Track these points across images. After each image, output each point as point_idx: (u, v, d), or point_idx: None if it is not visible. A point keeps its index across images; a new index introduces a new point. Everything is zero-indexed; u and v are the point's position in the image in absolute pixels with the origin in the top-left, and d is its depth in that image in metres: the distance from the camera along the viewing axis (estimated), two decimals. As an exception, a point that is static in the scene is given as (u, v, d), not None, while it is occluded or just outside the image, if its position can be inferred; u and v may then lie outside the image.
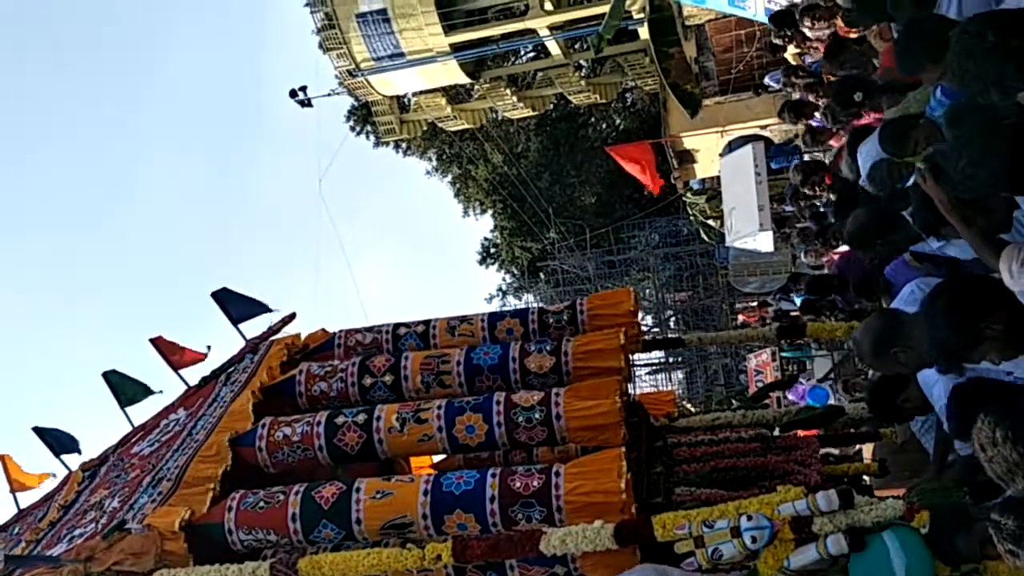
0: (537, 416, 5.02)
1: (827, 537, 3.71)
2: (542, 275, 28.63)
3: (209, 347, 6.81)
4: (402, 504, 4.68)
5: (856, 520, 3.73)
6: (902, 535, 3.72)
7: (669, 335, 27.11)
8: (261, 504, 4.83)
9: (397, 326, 6.44)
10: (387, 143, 27.83)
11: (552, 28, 20.59)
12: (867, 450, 6.67)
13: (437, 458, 6.70)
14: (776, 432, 6.05)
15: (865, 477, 6.21)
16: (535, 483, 4.55)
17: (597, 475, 4.50)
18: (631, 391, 5.77)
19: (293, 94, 23.80)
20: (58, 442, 6.49)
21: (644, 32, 19.33)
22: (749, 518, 3.72)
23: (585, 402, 5.01)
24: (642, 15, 18.66)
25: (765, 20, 13.62)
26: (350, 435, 5.26)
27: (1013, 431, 2.45)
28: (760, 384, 17.26)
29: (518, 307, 27.67)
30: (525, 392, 5.28)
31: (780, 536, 3.72)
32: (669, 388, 22.41)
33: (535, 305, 27.67)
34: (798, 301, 13.06)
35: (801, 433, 6.32)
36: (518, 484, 4.58)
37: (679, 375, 25.51)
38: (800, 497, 3.80)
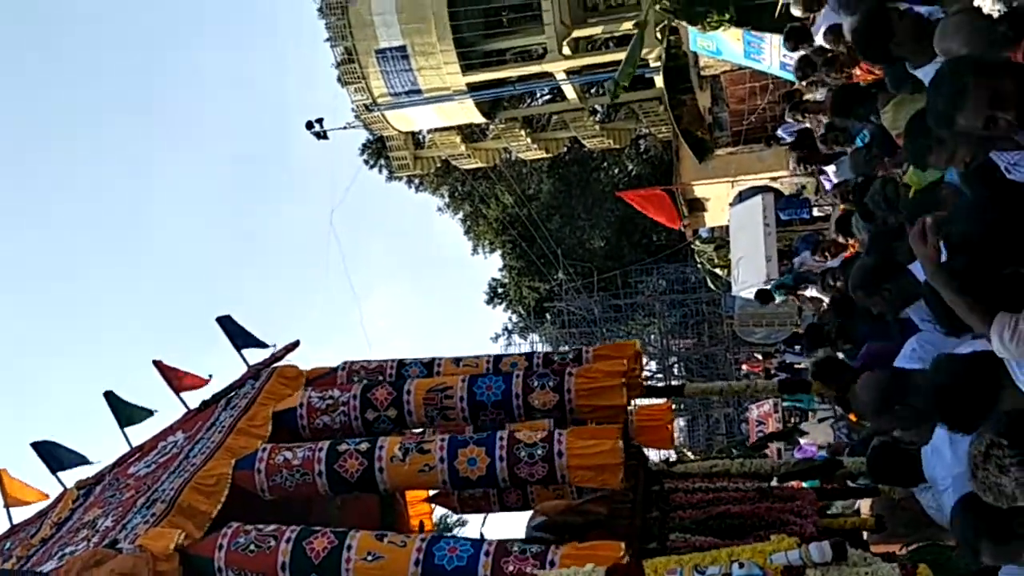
0: (539, 453, 5.02)
1: (819, 589, 3.69)
2: (548, 316, 28.65)
3: (211, 376, 6.85)
4: (393, 570, 4.62)
5: (849, 576, 3.71)
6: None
7: (672, 381, 27.08)
8: (252, 547, 4.80)
9: (403, 360, 6.49)
10: (400, 178, 28.04)
11: (569, 72, 20.84)
12: (865, 505, 6.62)
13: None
14: (774, 482, 6.02)
15: (863, 532, 6.15)
16: (528, 570, 4.47)
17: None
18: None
19: (310, 126, 24.05)
20: (55, 458, 6.49)
21: (659, 80, 19.54)
22: (741, 565, 3.71)
23: (587, 441, 5.03)
24: (658, 64, 18.87)
25: (780, 73, 13.79)
26: (351, 462, 5.26)
27: None
28: (761, 434, 17.16)
29: (523, 350, 27.72)
30: (528, 430, 5.29)
31: (772, 585, 3.70)
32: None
33: (541, 349, 27.75)
34: (803, 359, 13.07)
35: (798, 485, 6.29)
36: (511, 568, 4.51)
37: (681, 422, 25.38)
38: (793, 547, 3.79)
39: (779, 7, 10.71)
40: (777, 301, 11.86)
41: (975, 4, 2.72)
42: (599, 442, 4.99)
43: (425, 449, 5.20)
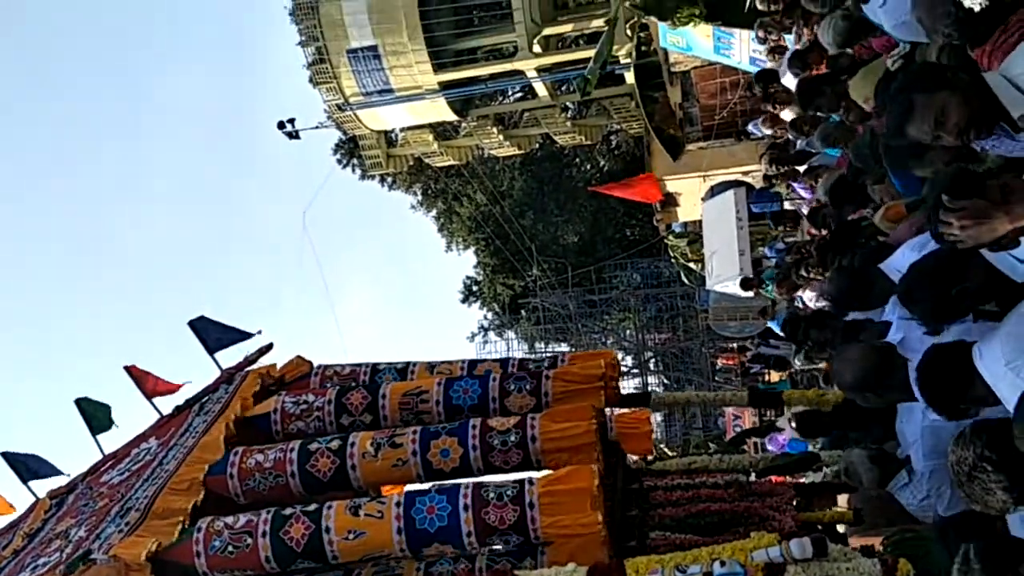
0: (512, 439, 5.01)
1: (800, 585, 3.70)
2: (523, 313, 28.65)
3: (189, 381, 6.76)
4: (378, 543, 4.65)
5: (830, 573, 3.72)
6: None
7: (649, 376, 27.18)
8: (230, 549, 4.75)
9: (376, 364, 6.45)
10: (373, 176, 27.92)
11: (540, 70, 20.83)
12: (843, 499, 6.66)
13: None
14: (752, 477, 6.03)
15: (840, 526, 6.19)
16: (510, 516, 4.53)
17: (572, 505, 4.48)
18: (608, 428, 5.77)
19: (281, 125, 23.87)
20: (28, 468, 6.39)
21: (630, 77, 19.59)
22: (722, 564, 3.71)
23: (560, 424, 5.02)
24: (628, 60, 18.93)
25: (749, 68, 13.85)
26: (323, 461, 5.22)
27: None
28: (738, 429, 17.26)
29: (499, 351, 27.71)
30: (500, 418, 5.28)
31: (753, 583, 3.71)
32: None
33: (517, 350, 27.64)
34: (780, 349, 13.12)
35: (776, 479, 6.31)
36: (492, 518, 4.56)
37: (657, 417, 25.47)
38: (774, 544, 3.80)
39: (747, 3, 10.75)
40: (765, 293, 11.90)
41: None
42: (573, 424, 4.99)
43: (397, 443, 5.17)
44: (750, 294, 14.90)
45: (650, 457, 6.34)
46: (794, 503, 5.71)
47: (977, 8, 2.76)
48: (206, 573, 4.76)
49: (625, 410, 6.26)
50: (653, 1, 12.21)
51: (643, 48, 18.38)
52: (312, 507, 4.82)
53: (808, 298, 6.69)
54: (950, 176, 2.66)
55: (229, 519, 4.87)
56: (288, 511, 4.84)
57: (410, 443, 5.16)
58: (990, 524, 3.05)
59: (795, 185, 8.66)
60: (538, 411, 5.55)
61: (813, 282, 6.82)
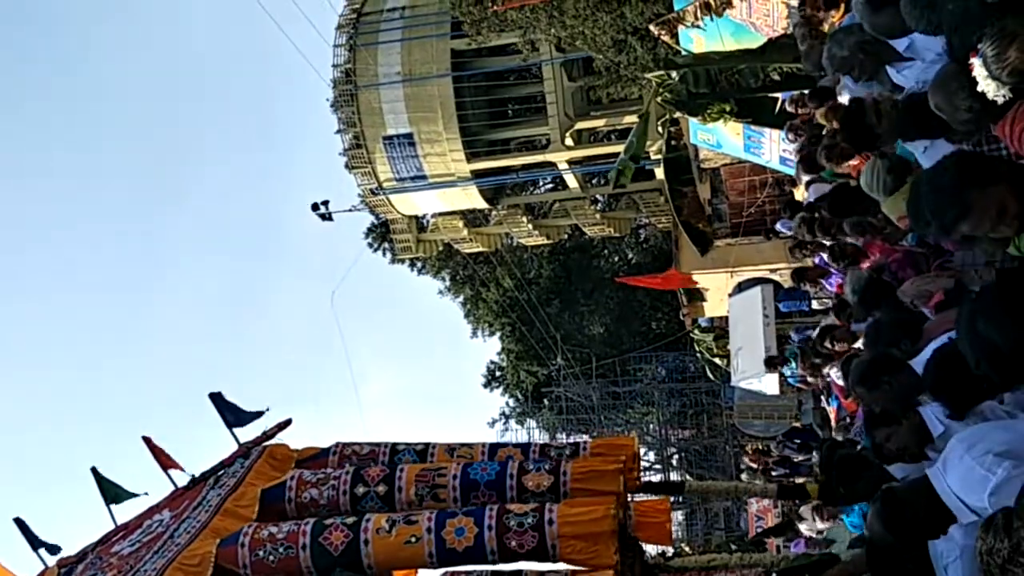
0: (529, 521, 4.93)
1: None
2: (546, 401, 28.42)
3: (189, 473, 6.69)
4: None
5: None
6: None
7: (671, 472, 26.67)
8: None
9: (396, 444, 6.40)
10: (403, 260, 28.23)
11: (571, 162, 21.21)
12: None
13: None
14: (773, 578, 5.85)
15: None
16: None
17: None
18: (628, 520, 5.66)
19: (315, 207, 24.33)
20: (34, 536, 6.33)
21: (660, 172, 19.87)
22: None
23: (579, 509, 4.93)
24: (659, 156, 19.22)
25: (779, 167, 13.99)
26: (336, 534, 5.17)
27: None
28: (760, 529, 16.81)
29: (520, 437, 27.45)
30: (519, 504, 5.20)
31: None
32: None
33: (537, 437, 27.40)
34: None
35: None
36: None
37: (679, 516, 24.90)
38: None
39: (778, 104, 10.94)
40: (788, 373, 11.72)
41: (979, 88, 2.72)
42: (591, 509, 4.91)
43: (412, 520, 5.13)
44: (775, 391, 14.74)
45: (669, 552, 6.18)
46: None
47: (1001, 100, 2.77)
48: None
49: (645, 497, 6.15)
50: (685, 97, 12.42)
51: (673, 143, 18.67)
52: None
53: (835, 376, 6.57)
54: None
55: None
56: None
57: (426, 521, 5.11)
58: None
59: (824, 282, 8.60)
60: (556, 492, 5.48)
61: (837, 358, 6.71)
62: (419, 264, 29.43)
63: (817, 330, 7.78)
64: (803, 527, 8.54)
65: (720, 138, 14.86)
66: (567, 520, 4.88)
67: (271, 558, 5.19)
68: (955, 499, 3.20)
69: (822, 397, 10.57)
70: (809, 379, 8.53)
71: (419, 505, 5.77)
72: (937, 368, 3.05)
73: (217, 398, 6.71)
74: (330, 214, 24.40)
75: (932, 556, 3.81)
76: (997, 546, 2.31)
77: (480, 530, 4.96)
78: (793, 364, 9.97)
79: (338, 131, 22.12)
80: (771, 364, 12.61)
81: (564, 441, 6.17)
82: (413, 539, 5.05)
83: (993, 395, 2.86)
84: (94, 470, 6.68)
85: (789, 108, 8.59)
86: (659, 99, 13.09)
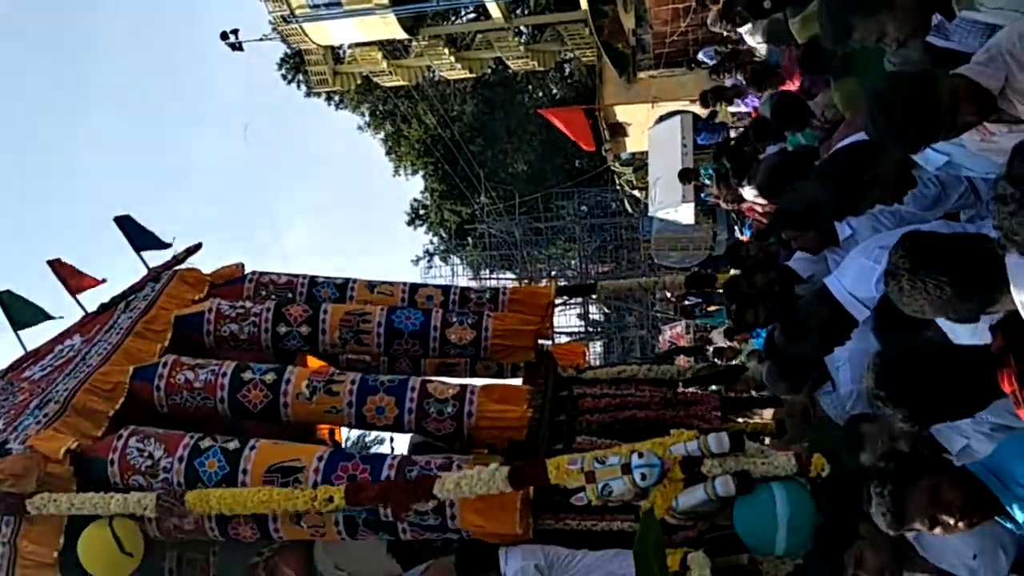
0: (449, 410, 4.97)
1: (715, 479, 3.75)
2: (470, 239, 28.53)
3: (105, 279, 6.55)
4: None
5: (746, 467, 3.79)
6: (791, 488, 3.80)
7: (591, 305, 27.40)
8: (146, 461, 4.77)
9: (315, 276, 6.31)
10: (319, 94, 27.24)
11: (493, -11, 20.36)
12: (767, 414, 6.83)
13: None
14: (679, 388, 6.13)
15: (764, 438, 6.34)
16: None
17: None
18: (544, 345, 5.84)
19: (224, 36, 23.01)
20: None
21: (584, 2, 19.28)
22: (640, 455, 3.76)
23: (498, 405, 5.01)
24: (582, -19, 18.61)
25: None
26: (255, 392, 5.11)
27: None
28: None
29: (442, 278, 27.66)
30: (440, 382, 5.21)
31: (670, 475, 3.76)
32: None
33: (459, 282, 27.71)
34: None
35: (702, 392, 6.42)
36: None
37: (597, 346, 25.81)
38: (692, 439, 3.85)
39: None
40: (704, 182, 11.94)
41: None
42: (510, 408, 4.97)
43: (334, 391, 5.07)
44: (691, 220, 15.02)
45: (583, 365, 6.40)
46: (718, 414, 5.83)
47: None
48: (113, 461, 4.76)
49: (563, 341, 6.29)
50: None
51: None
52: (232, 446, 4.75)
53: (750, 195, 6.69)
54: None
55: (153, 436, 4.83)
56: (207, 443, 4.78)
57: (347, 393, 5.05)
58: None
59: (740, 101, 8.62)
60: (476, 346, 5.59)
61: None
62: (336, 98, 28.48)
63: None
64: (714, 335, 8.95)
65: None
66: (485, 415, 4.96)
67: (188, 404, 5.18)
68: (848, 296, 3.36)
69: (735, 227, 10.81)
70: (723, 204, 8.68)
71: (342, 348, 5.77)
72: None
73: (125, 220, 6.47)
74: (240, 43, 23.14)
75: (827, 361, 4.02)
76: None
77: (400, 412, 4.98)
78: (705, 177, 10.20)
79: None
80: (685, 177, 12.74)
81: (484, 285, 6.18)
82: (333, 410, 5.06)
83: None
84: (2, 294, 6.46)
85: None
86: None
